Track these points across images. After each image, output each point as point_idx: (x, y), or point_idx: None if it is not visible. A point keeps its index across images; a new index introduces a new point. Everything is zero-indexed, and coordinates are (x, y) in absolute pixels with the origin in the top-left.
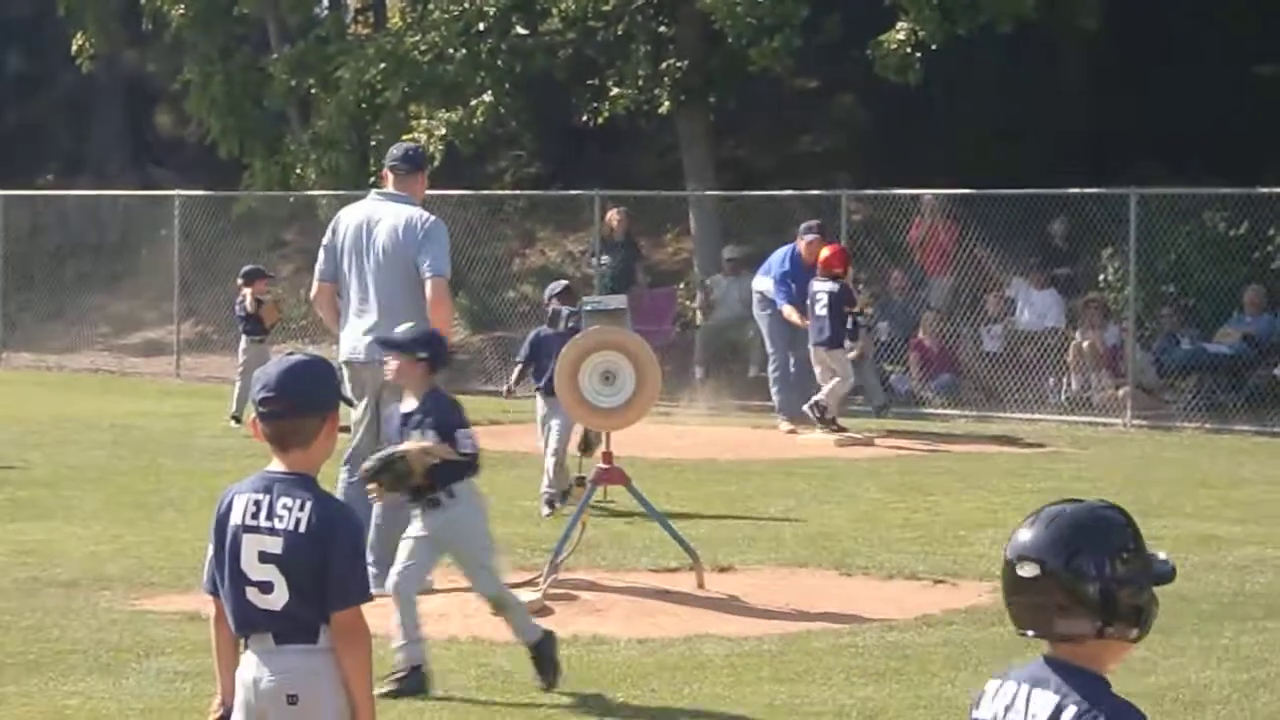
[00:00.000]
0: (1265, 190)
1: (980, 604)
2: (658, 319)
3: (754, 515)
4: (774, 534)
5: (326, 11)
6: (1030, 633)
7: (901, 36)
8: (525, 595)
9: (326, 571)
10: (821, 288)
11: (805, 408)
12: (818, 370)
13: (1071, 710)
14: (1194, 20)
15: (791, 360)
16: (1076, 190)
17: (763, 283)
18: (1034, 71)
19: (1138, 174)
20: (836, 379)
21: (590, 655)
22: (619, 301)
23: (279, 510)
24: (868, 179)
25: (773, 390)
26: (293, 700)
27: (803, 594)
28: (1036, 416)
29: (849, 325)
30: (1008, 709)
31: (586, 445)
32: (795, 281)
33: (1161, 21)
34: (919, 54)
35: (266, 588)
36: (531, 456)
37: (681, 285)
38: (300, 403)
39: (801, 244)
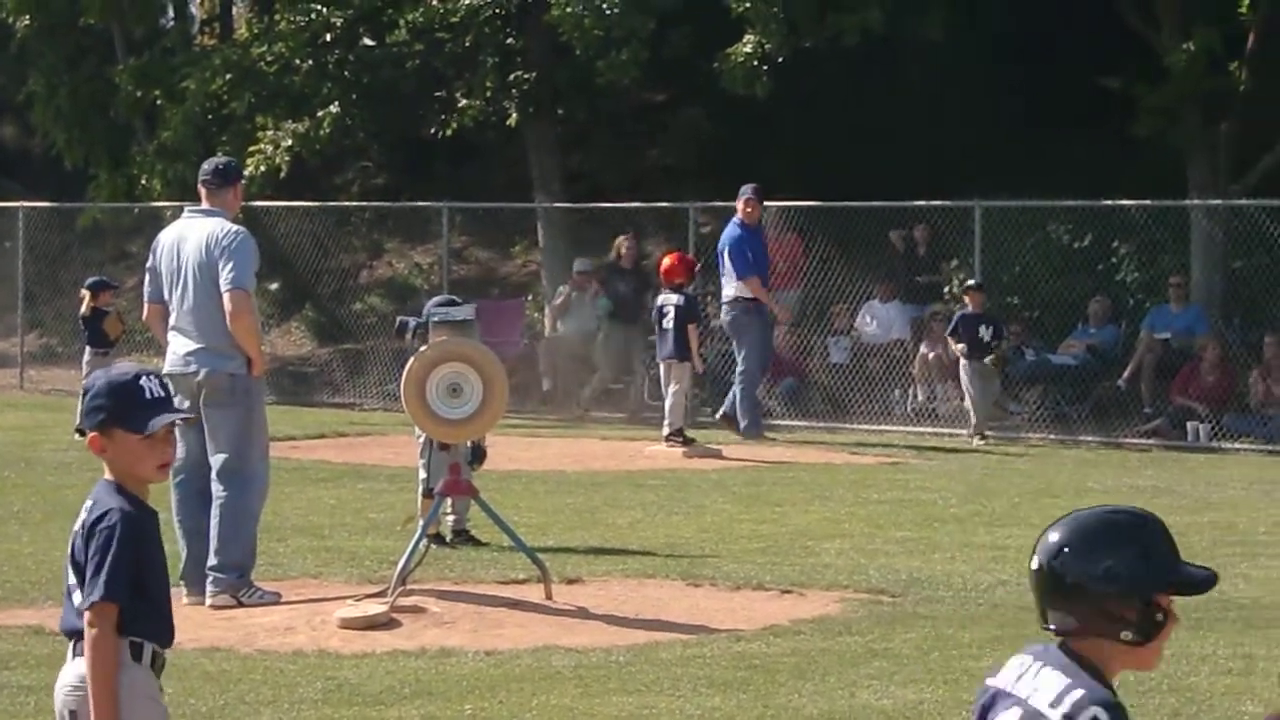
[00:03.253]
0: (1109, 202)
1: (827, 614)
2: (506, 331)
3: (602, 526)
4: (622, 545)
5: (172, 22)
6: (1051, 627)
7: (748, 49)
8: (373, 607)
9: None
10: (667, 300)
11: (665, 435)
12: (665, 384)
13: (1078, 694)
14: (1040, 32)
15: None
16: (922, 203)
17: (727, 289)
18: (880, 84)
19: (983, 186)
20: (674, 389)
21: (438, 667)
22: (466, 313)
23: (81, 514)
24: (716, 191)
25: (735, 390)
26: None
27: (651, 605)
28: (883, 428)
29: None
30: (1019, 677)
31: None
32: (750, 249)
33: (1007, 34)
34: (766, 66)
35: (70, 591)
36: (379, 469)
37: (529, 297)
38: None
39: (739, 205)
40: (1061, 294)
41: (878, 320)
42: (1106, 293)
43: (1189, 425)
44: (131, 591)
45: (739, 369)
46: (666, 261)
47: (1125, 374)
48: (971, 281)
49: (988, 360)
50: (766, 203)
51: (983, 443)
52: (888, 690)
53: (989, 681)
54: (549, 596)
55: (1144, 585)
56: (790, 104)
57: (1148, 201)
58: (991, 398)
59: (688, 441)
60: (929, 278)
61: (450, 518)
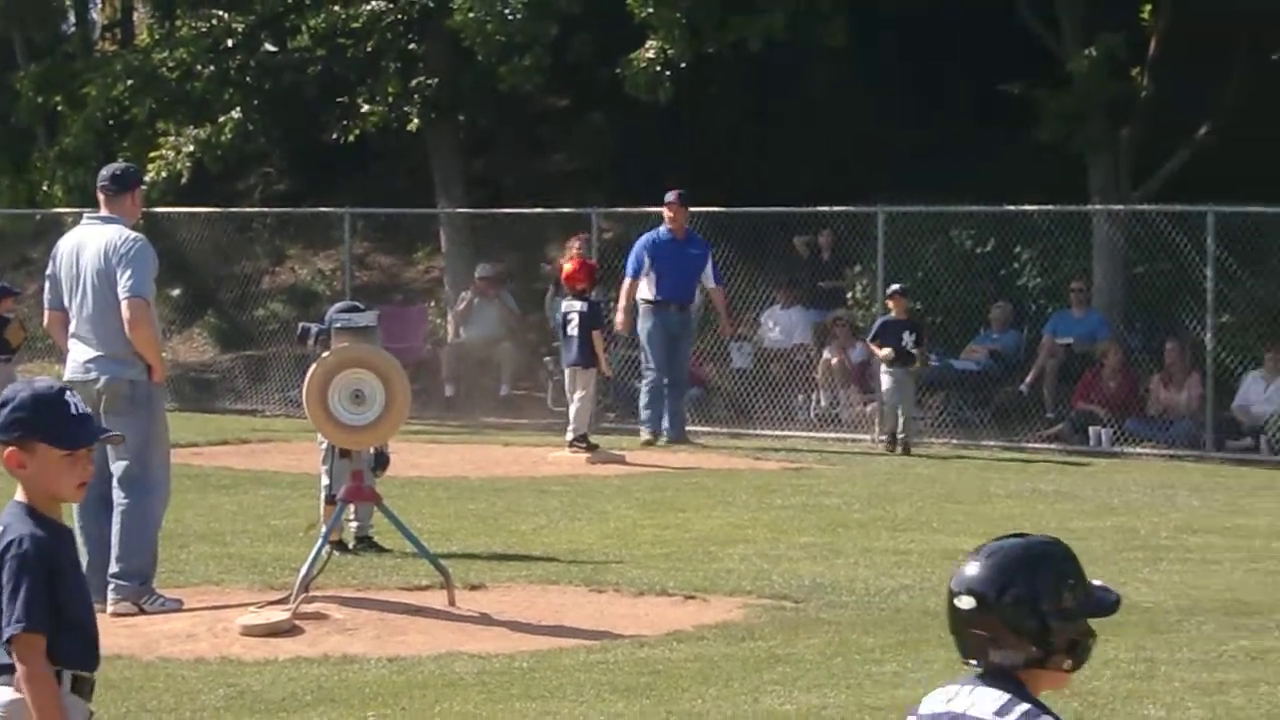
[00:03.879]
0: (1012, 208)
1: (730, 619)
2: (408, 337)
3: (505, 533)
4: (525, 551)
5: (73, 28)
6: (973, 662)
7: (651, 55)
8: (275, 614)
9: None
10: (571, 307)
11: (568, 441)
12: (570, 390)
13: (1024, 706)
14: (942, 38)
15: (665, 378)
16: (825, 208)
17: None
18: (784, 89)
19: (886, 192)
20: (580, 395)
21: (340, 674)
22: (369, 319)
23: None
24: (619, 197)
25: (641, 400)
26: None
27: (554, 611)
28: (786, 433)
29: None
30: (949, 700)
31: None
32: (660, 257)
33: (910, 39)
34: (669, 72)
35: None
36: (282, 475)
37: (432, 303)
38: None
39: (665, 213)
40: (964, 299)
41: (780, 326)
42: (1009, 298)
43: (1091, 430)
44: (52, 618)
45: (646, 377)
46: (568, 267)
47: (1027, 379)
48: (895, 286)
49: (910, 370)
50: None
51: (904, 454)
52: (791, 695)
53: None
54: (452, 603)
55: (1080, 614)
56: (693, 109)
57: (1050, 206)
58: (911, 407)
59: (591, 447)
60: (833, 283)
61: (353, 524)
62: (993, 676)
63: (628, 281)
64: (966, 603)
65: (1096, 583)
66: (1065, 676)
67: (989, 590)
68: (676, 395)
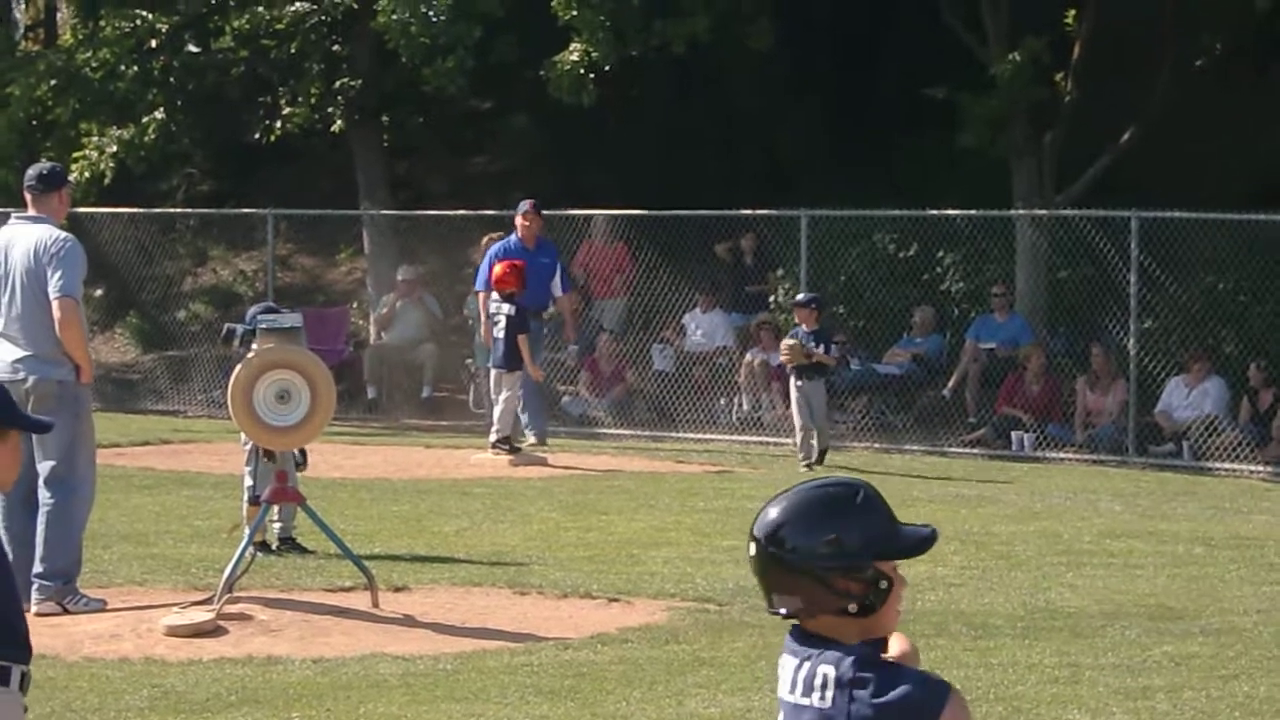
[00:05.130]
0: (935, 212)
1: (654, 622)
2: (330, 339)
3: (428, 534)
4: (448, 553)
5: None
6: (769, 609)
7: (575, 57)
8: (199, 615)
9: None
10: (500, 310)
11: (491, 443)
12: (494, 392)
13: (807, 665)
14: (866, 42)
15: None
16: (748, 211)
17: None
18: (708, 92)
19: (809, 196)
20: (505, 396)
21: (264, 675)
22: (294, 320)
23: None
24: (542, 199)
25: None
26: None
27: (478, 613)
28: (708, 436)
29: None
30: (790, 685)
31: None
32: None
33: (833, 43)
34: (593, 75)
35: None
36: (204, 476)
37: (354, 305)
38: None
39: (518, 221)
40: (887, 303)
41: (702, 329)
42: (931, 302)
43: (1013, 435)
44: None
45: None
46: (497, 270)
47: (950, 383)
48: (800, 297)
49: (819, 380)
50: (594, 211)
51: (820, 469)
52: (715, 699)
53: (780, 695)
54: (376, 604)
55: (864, 555)
56: (617, 112)
57: (973, 211)
58: (824, 416)
59: (514, 450)
60: (756, 287)
61: (277, 525)
62: (797, 633)
63: (481, 295)
64: (751, 548)
65: (915, 524)
66: (881, 621)
67: (764, 533)
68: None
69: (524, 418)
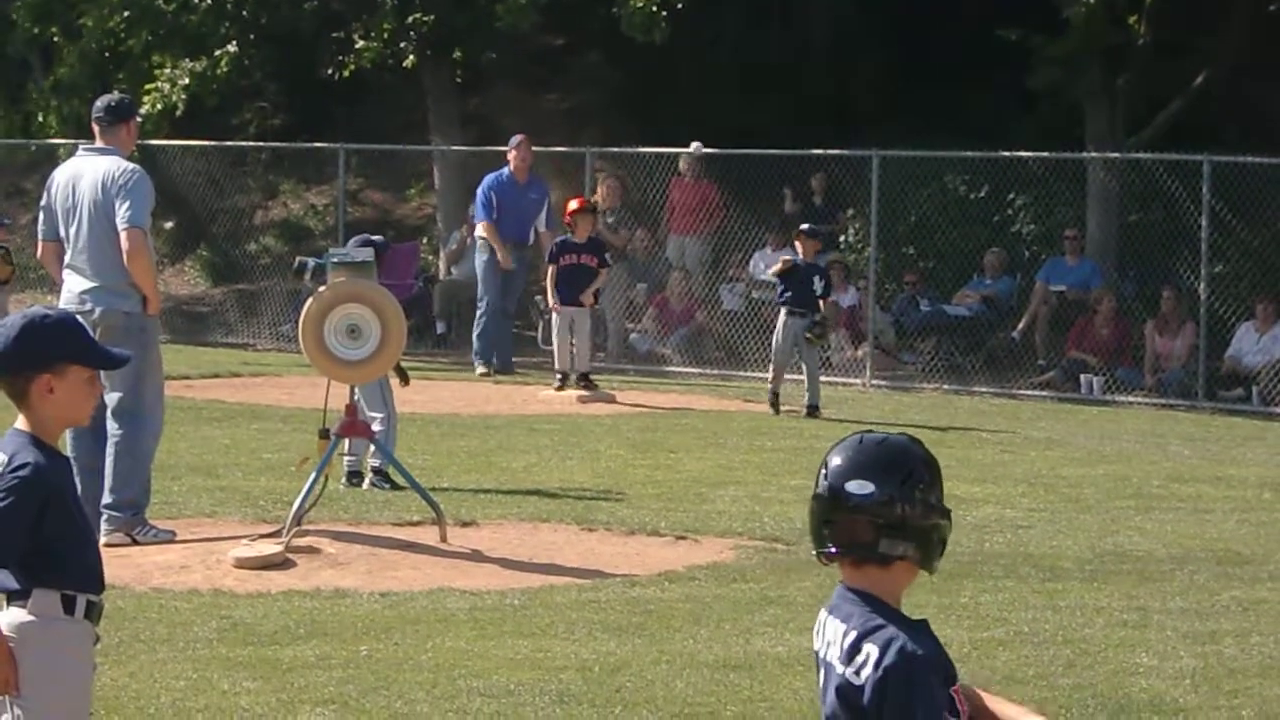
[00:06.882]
0: (1006, 154)
1: (721, 560)
2: (400, 274)
3: (497, 470)
4: (516, 489)
5: None
6: (817, 551)
7: None
8: (268, 547)
9: None
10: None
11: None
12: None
13: (852, 636)
14: None
15: (500, 307)
16: (819, 151)
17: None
18: (779, 32)
19: (881, 136)
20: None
21: (333, 608)
22: (365, 255)
23: None
24: (614, 137)
25: (474, 333)
26: None
27: (545, 549)
28: None
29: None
30: (819, 634)
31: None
32: (502, 198)
33: None
34: (665, 13)
35: None
36: (274, 409)
37: (425, 240)
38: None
39: (510, 154)
40: (957, 245)
41: (771, 268)
42: (1002, 244)
43: (1082, 378)
44: (38, 545)
45: (478, 311)
46: (572, 206)
47: (1020, 326)
48: (805, 226)
49: (808, 336)
50: (668, 149)
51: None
52: (782, 637)
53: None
54: (443, 539)
55: (920, 507)
56: (689, 50)
57: (1045, 154)
58: (818, 360)
59: (592, 386)
60: (826, 227)
61: (348, 459)
62: (845, 585)
63: (485, 225)
64: (820, 488)
65: None
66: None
67: (836, 478)
68: (507, 325)
69: (477, 344)
